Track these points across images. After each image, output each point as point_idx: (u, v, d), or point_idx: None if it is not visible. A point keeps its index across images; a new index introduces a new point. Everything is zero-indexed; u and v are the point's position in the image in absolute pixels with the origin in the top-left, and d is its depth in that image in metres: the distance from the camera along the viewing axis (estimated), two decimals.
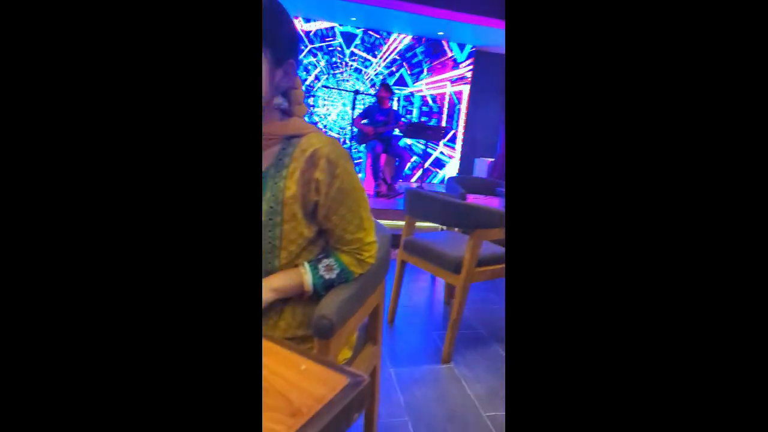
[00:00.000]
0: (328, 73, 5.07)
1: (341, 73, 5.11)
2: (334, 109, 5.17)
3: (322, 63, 5.01)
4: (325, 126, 5.14)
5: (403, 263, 1.86)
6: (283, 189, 0.68)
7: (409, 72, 5.31)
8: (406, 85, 5.33)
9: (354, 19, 4.70)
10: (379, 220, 0.99)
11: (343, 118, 5.18)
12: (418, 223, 1.88)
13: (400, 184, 4.43)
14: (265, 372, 0.43)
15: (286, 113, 0.72)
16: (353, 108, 4.06)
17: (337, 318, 0.70)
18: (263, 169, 0.69)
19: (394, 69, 5.21)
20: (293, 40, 0.67)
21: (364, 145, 4.16)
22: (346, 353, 0.86)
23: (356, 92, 4.12)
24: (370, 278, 0.84)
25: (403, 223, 1.89)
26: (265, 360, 0.45)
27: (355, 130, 4.15)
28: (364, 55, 5.12)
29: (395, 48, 5.19)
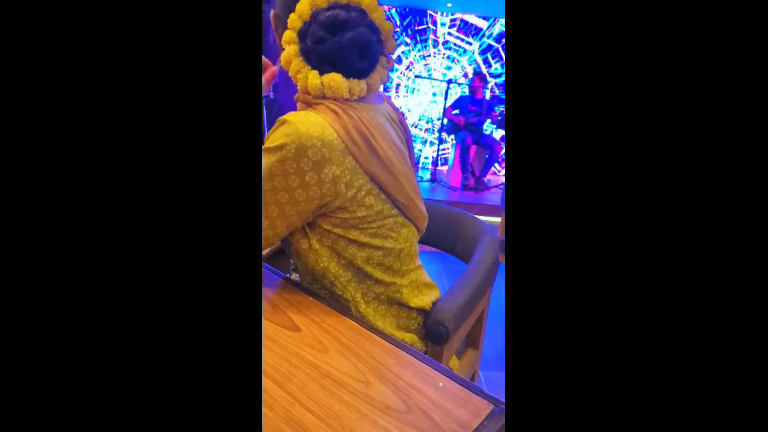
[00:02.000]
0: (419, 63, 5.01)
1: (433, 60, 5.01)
2: (426, 99, 5.10)
3: (414, 53, 4.96)
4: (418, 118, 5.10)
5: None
6: None
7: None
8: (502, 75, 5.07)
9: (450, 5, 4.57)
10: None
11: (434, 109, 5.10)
12: None
13: (489, 178, 4.27)
14: (403, 385, 0.42)
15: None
16: (446, 98, 3.97)
17: (453, 325, 0.67)
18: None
19: (489, 57, 4.98)
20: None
21: (453, 135, 4.07)
22: (455, 361, 0.84)
23: (449, 82, 4.01)
24: (482, 283, 0.80)
25: (491, 218, 1.81)
26: (402, 373, 0.44)
27: (446, 121, 4.07)
28: (459, 42, 4.96)
29: (491, 33, 4.95)
